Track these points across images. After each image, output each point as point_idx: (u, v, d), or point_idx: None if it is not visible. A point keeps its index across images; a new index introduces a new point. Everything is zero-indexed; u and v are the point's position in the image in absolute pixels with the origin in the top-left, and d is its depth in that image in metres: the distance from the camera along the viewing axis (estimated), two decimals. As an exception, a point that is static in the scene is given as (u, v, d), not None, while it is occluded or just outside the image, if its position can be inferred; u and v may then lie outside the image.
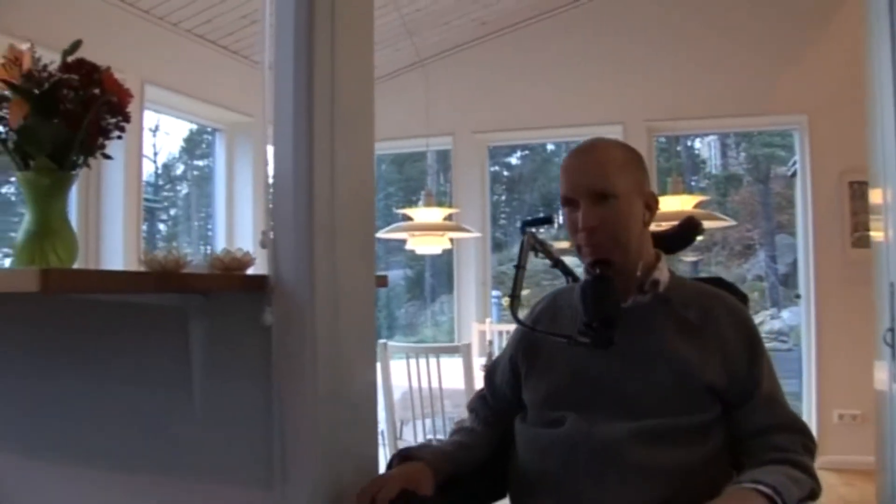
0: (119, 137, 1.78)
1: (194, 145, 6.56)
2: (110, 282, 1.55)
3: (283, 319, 1.69)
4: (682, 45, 5.92)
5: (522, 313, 1.97)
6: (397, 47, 6.10)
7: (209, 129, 6.12)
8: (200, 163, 6.48)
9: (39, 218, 1.69)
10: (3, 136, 1.67)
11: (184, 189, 6.46)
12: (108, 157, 1.78)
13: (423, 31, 6.06)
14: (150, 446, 1.89)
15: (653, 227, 1.87)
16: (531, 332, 1.89)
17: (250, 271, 1.79)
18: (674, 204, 4.44)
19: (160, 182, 6.56)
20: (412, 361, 4.28)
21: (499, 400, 2.02)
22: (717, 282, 1.99)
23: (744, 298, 1.96)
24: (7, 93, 1.64)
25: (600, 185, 1.70)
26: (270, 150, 1.80)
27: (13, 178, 4.57)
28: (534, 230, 2.05)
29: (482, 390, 2.09)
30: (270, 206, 1.74)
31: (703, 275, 8.89)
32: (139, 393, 1.90)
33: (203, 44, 5.36)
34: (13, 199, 4.95)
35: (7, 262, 5.03)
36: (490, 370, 2.07)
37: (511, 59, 6.49)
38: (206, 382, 1.79)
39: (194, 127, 6.28)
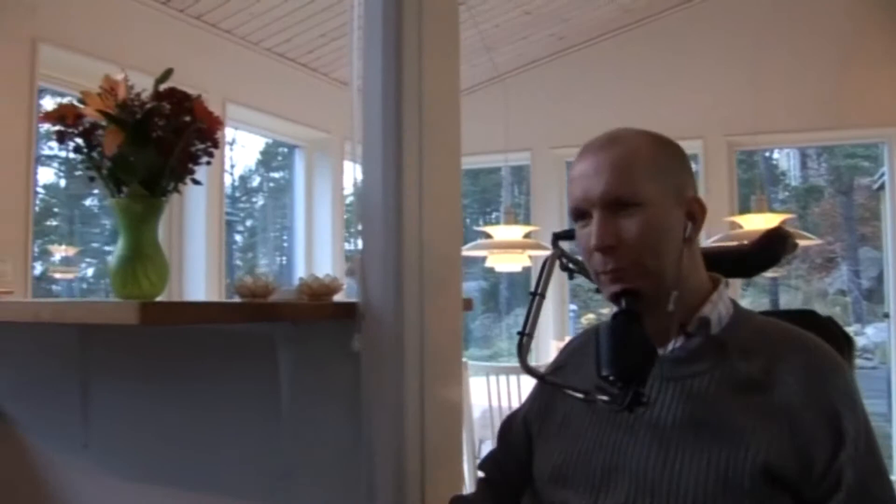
0: (208, 163, 1.80)
1: (270, 157, 6.66)
2: (206, 313, 1.57)
3: (372, 345, 1.69)
4: (763, 56, 5.78)
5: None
6: (474, 63, 6.10)
7: (286, 144, 6.19)
8: (276, 175, 6.57)
9: (132, 243, 1.72)
10: (98, 162, 1.71)
11: (259, 201, 6.55)
12: (197, 182, 1.80)
13: (500, 46, 6.06)
14: (239, 472, 1.90)
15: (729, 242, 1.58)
16: (544, 383, 1.51)
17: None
18: (758, 223, 4.36)
19: (237, 194, 6.67)
20: (492, 379, 4.27)
21: (511, 462, 1.56)
22: (807, 317, 1.48)
23: (846, 341, 1.44)
24: (102, 121, 1.68)
25: (618, 190, 1.28)
26: (347, 166, 1.80)
27: (96, 191, 4.69)
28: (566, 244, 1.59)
29: (495, 449, 1.64)
30: (359, 228, 1.74)
31: (783, 299, 8.65)
32: (228, 419, 1.91)
33: (283, 62, 5.44)
34: (96, 210, 5.07)
35: (90, 272, 5.19)
36: (506, 424, 1.63)
37: (588, 73, 6.44)
38: (294, 408, 1.80)
39: (270, 140, 6.37)
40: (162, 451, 2.04)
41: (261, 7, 4.73)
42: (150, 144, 1.66)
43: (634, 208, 1.27)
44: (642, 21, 6.24)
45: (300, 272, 5.99)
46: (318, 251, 6.02)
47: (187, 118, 1.69)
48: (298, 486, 1.83)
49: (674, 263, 1.29)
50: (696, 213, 1.34)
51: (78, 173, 1.78)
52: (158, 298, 1.71)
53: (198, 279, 4.83)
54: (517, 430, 1.56)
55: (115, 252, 1.75)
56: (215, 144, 1.77)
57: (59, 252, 4.98)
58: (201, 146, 1.75)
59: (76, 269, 5.16)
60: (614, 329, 1.26)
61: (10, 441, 2.36)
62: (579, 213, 1.34)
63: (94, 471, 2.17)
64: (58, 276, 5.00)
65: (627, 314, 1.27)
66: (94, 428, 2.16)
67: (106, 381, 2.14)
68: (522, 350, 1.44)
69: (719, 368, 1.28)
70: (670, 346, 1.32)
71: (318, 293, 1.68)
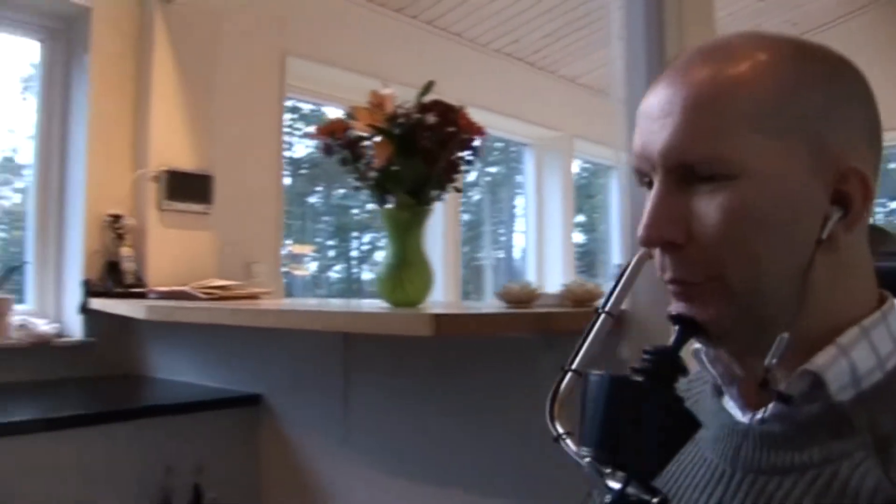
0: (467, 171, 1.85)
1: (486, 152, 6.73)
2: (494, 324, 1.58)
3: (638, 352, 1.66)
4: None
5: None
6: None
7: (512, 142, 6.23)
8: (492, 169, 6.62)
9: (398, 251, 1.80)
10: (363, 172, 1.79)
11: (475, 195, 6.63)
12: (459, 190, 1.85)
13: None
14: (493, 474, 1.92)
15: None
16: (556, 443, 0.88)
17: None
18: None
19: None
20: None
21: None
22: None
23: None
24: (369, 134, 1.75)
25: (689, 150, 0.70)
26: (574, 164, 1.77)
27: (319, 188, 4.87)
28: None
29: None
30: (625, 238, 1.72)
31: None
32: (484, 421, 1.94)
33: (511, 61, 5.47)
34: (319, 208, 5.29)
35: (313, 265, 5.37)
36: None
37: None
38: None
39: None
40: (417, 448, 2.10)
41: (490, 10, 4.78)
42: (417, 155, 1.72)
43: (723, 182, 0.69)
44: (879, 2, 5.86)
45: (530, 267, 6.01)
46: (548, 247, 6.03)
47: (452, 129, 1.74)
48: (551, 493, 1.84)
49: (790, 282, 0.69)
50: (851, 195, 0.70)
51: (302, 172, 1.86)
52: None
53: (436, 276, 4.94)
54: None
55: (383, 259, 1.83)
56: (475, 153, 1.81)
57: (290, 248, 5.21)
58: (461, 154, 1.80)
59: (306, 266, 5.37)
60: (619, 382, 0.72)
61: (275, 434, 2.51)
62: (642, 176, 0.78)
63: (352, 464, 2.26)
64: (297, 273, 5.22)
65: (657, 358, 0.73)
66: (353, 423, 2.25)
67: (366, 379, 2.23)
68: (557, 392, 0.85)
69: (833, 465, 0.66)
70: (760, 414, 0.74)
71: (581, 299, 1.68)
